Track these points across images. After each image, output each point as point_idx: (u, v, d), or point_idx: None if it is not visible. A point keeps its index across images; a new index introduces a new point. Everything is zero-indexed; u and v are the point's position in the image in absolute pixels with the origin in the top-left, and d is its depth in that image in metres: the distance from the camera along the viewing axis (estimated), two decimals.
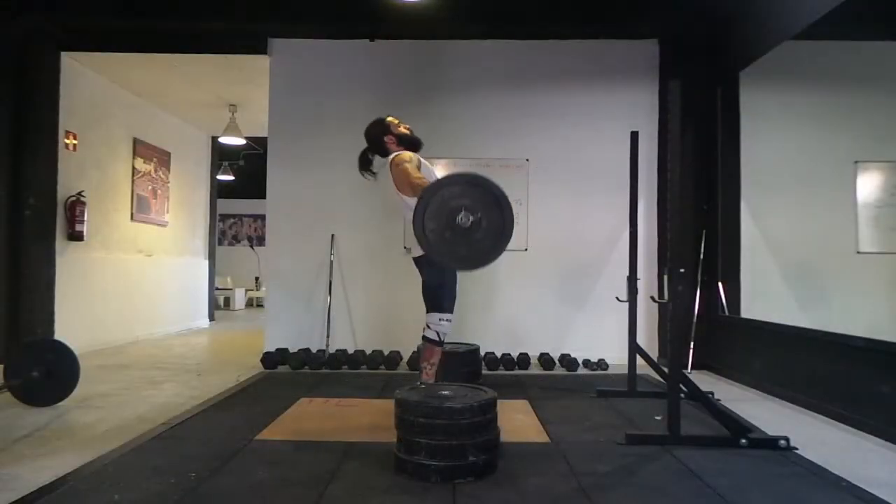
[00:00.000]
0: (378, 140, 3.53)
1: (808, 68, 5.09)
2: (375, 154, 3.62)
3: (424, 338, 3.34)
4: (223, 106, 7.49)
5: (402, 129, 3.54)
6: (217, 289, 10.64)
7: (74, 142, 6.04)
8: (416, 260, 3.40)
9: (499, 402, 2.66)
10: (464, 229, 2.58)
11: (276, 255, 5.82)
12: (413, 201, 3.16)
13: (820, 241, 5.18)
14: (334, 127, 5.78)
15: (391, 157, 3.43)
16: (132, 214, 7.15)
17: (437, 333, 3.31)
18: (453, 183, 2.72)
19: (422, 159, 3.43)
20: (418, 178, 3.15)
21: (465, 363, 4.42)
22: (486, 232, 2.63)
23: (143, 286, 7.33)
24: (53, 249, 5.61)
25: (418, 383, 3.23)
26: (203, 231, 9.21)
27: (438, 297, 3.34)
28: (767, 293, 5.19)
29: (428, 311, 3.36)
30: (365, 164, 3.66)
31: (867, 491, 2.41)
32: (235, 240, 13.75)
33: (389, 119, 3.56)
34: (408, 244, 5.71)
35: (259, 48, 5.74)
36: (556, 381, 4.77)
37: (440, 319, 3.31)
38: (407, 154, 3.37)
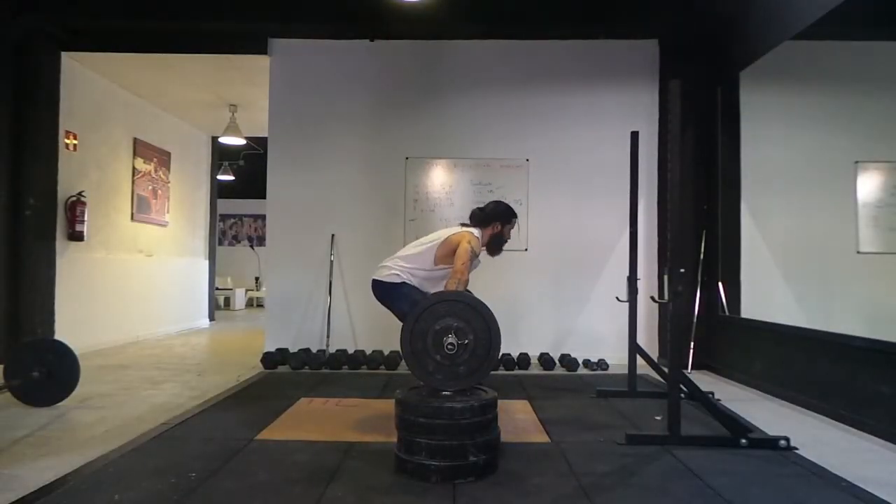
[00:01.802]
0: (489, 218, 3.55)
1: (808, 68, 5.09)
2: (479, 221, 3.60)
3: None
4: (223, 106, 7.49)
5: (507, 234, 3.62)
6: (217, 289, 10.64)
7: (74, 142, 6.04)
8: (382, 296, 3.39)
9: (499, 402, 2.66)
10: (451, 355, 2.60)
11: (276, 255, 5.82)
12: (438, 273, 3.32)
13: (820, 242, 5.17)
14: (334, 127, 5.78)
15: (469, 230, 3.43)
16: (132, 214, 7.15)
17: None
18: (439, 301, 2.72)
19: (478, 260, 3.49)
20: (463, 268, 3.21)
21: None
22: (474, 352, 2.64)
23: (144, 286, 7.33)
24: (53, 249, 5.61)
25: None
26: (203, 231, 9.20)
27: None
28: (767, 293, 5.19)
29: None
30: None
31: (867, 491, 2.41)
32: (235, 240, 13.75)
33: (515, 220, 3.65)
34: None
35: (259, 48, 5.75)
36: (557, 381, 4.78)
37: None
38: (477, 244, 3.39)
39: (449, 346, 2.58)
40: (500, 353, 5.29)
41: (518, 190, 5.71)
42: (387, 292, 3.39)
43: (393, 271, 3.37)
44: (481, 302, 2.72)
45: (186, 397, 4.07)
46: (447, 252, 3.35)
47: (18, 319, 5.29)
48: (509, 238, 3.67)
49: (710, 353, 5.24)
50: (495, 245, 3.61)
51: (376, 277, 3.43)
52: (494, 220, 3.57)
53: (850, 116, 5.03)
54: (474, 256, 3.37)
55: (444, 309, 2.65)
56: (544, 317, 5.71)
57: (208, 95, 7.13)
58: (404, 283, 3.34)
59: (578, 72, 5.80)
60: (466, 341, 2.60)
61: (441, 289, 3.43)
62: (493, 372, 5.15)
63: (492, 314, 2.69)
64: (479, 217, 3.59)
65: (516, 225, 3.71)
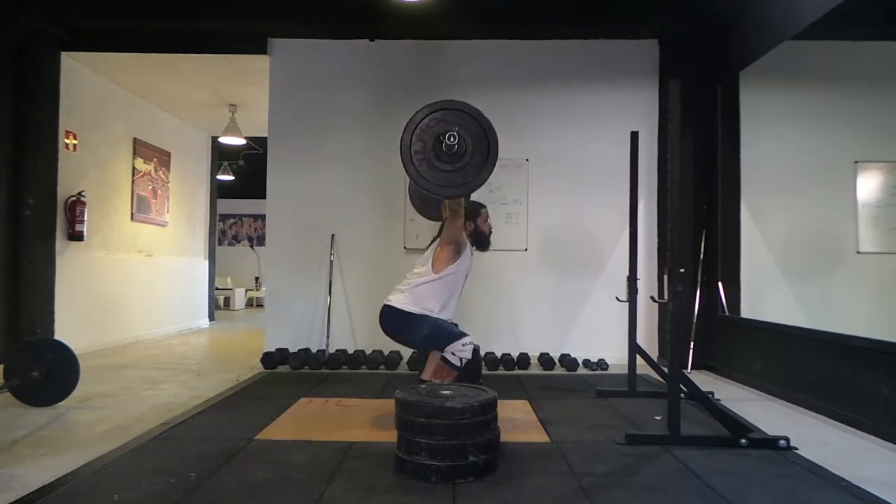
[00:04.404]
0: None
1: (808, 68, 5.09)
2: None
3: (445, 359, 3.33)
4: (223, 106, 7.49)
5: (483, 227, 3.60)
6: (217, 289, 10.63)
7: (74, 142, 6.04)
8: (392, 325, 3.40)
9: (499, 402, 2.66)
10: (451, 154, 2.61)
11: (276, 255, 5.82)
12: (448, 278, 3.35)
13: (820, 241, 5.17)
14: (334, 127, 5.78)
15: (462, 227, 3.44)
16: (132, 214, 7.15)
17: (461, 360, 3.31)
18: (432, 110, 2.74)
19: (469, 254, 3.51)
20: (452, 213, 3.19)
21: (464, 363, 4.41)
22: (473, 146, 2.66)
23: (143, 286, 7.33)
24: (53, 249, 5.60)
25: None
26: (203, 231, 9.20)
27: (444, 332, 3.34)
28: (767, 293, 5.19)
29: (447, 345, 3.33)
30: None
31: (867, 491, 2.41)
32: (235, 240, 13.75)
33: (483, 210, 3.65)
34: (408, 244, 5.72)
35: (259, 48, 5.74)
36: (556, 381, 4.77)
37: (463, 345, 3.31)
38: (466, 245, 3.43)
39: (448, 145, 2.60)
40: (500, 353, 5.36)
41: (518, 190, 5.70)
42: (400, 318, 3.38)
43: (404, 296, 3.38)
44: (476, 109, 2.74)
45: (186, 397, 4.07)
46: (443, 253, 3.36)
47: (18, 319, 5.28)
48: (490, 229, 3.66)
49: (709, 353, 5.24)
50: (479, 242, 3.61)
51: (390, 303, 3.42)
52: (465, 223, 3.54)
53: (850, 116, 5.03)
54: (460, 252, 3.39)
55: (441, 115, 2.69)
56: (544, 317, 5.71)
57: (208, 95, 7.13)
58: (415, 313, 3.35)
59: (578, 72, 5.80)
60: (466, 146, 2.63)
61: (457, 295, 3.45)
62: (493, 372, 5.18)
63: (487, 120, 2.73)
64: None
65: (487, 216, 3.68)
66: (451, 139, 2.61)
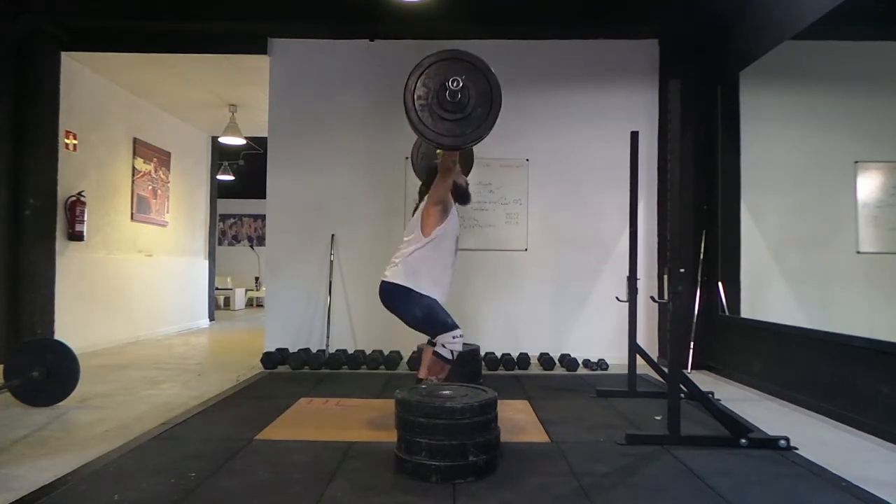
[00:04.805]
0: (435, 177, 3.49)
1: (808, 68, 5.09)
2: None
3: (437, 353, 3.31)
4: (223, 106, 7.49)
5: (461, 181, 3.53)
6: (217, 289, 10.63)
7: (74, 142, 6.04)
8: (390, 300, 3.36)
9: (499, 402, 2.66)
10: (454, 102, 2.61)
11: (276, 255, 5.82)
12: (441, 245, 3.30)
13: (820, 241, 5.17)
14: (334, 127, 5.78)
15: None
16: (132, 214, 7.15)
17: (452, 352, 3.29)
18: (440, 58, 2.73)
19: (455, 213, 3.46)
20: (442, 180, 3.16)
21: (464, 363, 4.41)
22: (477, 100, 2.65)
23: (143, 286, 7.33)
24: (53, 249, 5.61)
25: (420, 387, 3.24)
26: (203, 231, 9.20)
27: (437, 319, 3.30)
28: (767, 293, 5.19)
29: (437, 335, 3.30)
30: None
31: (867, 491, 2.41)
32: (235, 240, 13.75)
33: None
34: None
35: (259, 48, 5.74)
36: (556, 381, 4.77)
37: (454, 337, 3.28)
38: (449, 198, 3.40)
39: (452, 91, 2.60)
40: (500, 353, 5.36)
41: (518, 190, 5.70)
42: (397, 294, 3.34)
43: (398, 268, 3.35)
44: (485, 64, 2.73)
45: (186, 397, 4.07)
46: (430, 214, 3.33)
47: (18, 319, 5.28)
48: (466, 182, 3.62)
49: (709, 353, 5.24)
50: (460, 196, 3.54)
51: (386, 279, 3.39)
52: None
53: (850, 116, 5.03)
54: (446, 209, 3.37)
55: (449, 64, 2.68)
56: (544, 317, 5.71)
57: (208, 95, 7.13)
58: (411, 290, 3.31)
59: (578, 72, 5.80)
60: (469, 97, 2.62)
61: (449, 264, 3.41)
62: (492, 372, 5.18)
63: (495, 77, 2.72)
64: (431, 182, 3.52)
65: (460, 170, 3.60)
66: (455, 84, 2.59)
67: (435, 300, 3.33)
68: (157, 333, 7.54)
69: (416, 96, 2.68)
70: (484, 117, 2.70)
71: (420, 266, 3.32)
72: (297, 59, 5.82)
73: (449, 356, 3.28)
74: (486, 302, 5.66)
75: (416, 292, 3.29)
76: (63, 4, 5.43)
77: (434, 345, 3.33)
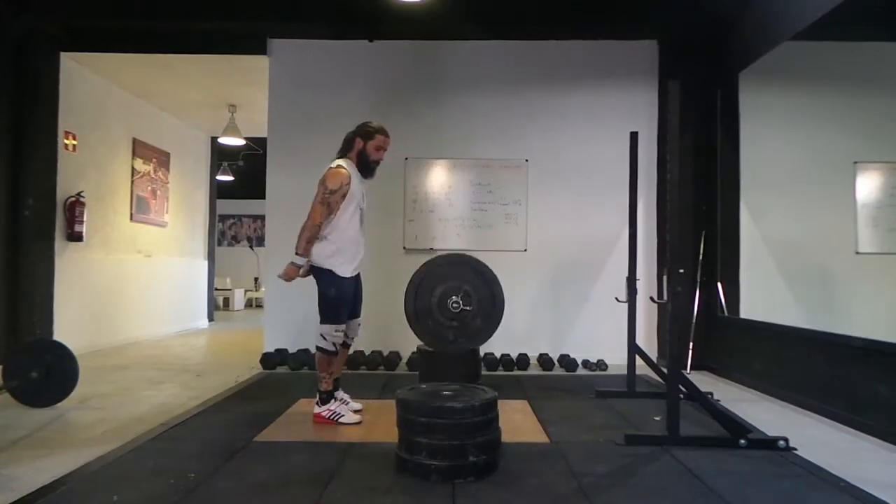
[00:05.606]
0: (349, 142, 3.51)
1: (808, 68, 5.10)
2: (343, 149, 3.56)
3: (319, 348, 3.34)
4: (223, 106, 7.49)
5: (372, 153, 3.45)
6: (216, 289, 10.63)
7: (74, 142, 6.04)
8: (316, 270, 3.42)
9: (499, 402, 2.66)
10: (455, 312, 2.62)
11: (275, 255, 5.81)
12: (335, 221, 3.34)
13: (819, 242, 5.18)
14: (334, 127, 5.68)
15: (332, 164, 3.42)
16: (131, 215, 7.15)
17: (333, 344, 3.33)
18: (439, 264, 2.74)
19: (356, 184, 3.41)
20: (312, 212, 3.37)
21: (464, 364, 4.41)
22: (477, 312, 2.67)
23: (143, 287, 7.32)
24: (53, 250, 5.60)
25: (320, 391, 3.32)
26: (202, 231, 9.20)
27: (335, 308, 3.34)
28: (766, 293, 5.19)
29: (322, 322, 3.34)
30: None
31: (867, 491, 2.41)
32: (235, 240, 13.75)
33: (380, 137, 3.48)
34: (407, 245, 5.73)
35: (259, 48, 5.74)
36: (556, 382, 4.77)
37: (335, 331, 3.33)
38: (345, 173, 3.36)
39: (454, 305, 2.61)
40: (500, 354, 5.35)
41: (517, 190, 5.70)
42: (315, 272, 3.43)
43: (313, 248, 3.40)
44: (483, 263, 2.73)
45: (185, 398, 4.07)
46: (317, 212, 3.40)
47: (17, 320, 5.28)
48: (378, 158, 3.48)
49: (709, 353, 5.24)
50: (363, 166, 3.46)
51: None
52: (355, 139, 3.47)
53: (850, 116, 5.04)
54: (331, 193, 3.33)
55: (445, 272, 2.69)
56: (543, 317, 5.71)
57: (207, 96, 7.12)
58: (320, 267, 3.37)
59: (578, 72, 5.80)
60: (469, 307, 2.64)
61: (354, 231, 3.44)
62: (492, 372, 5.17)
63: (494, 275, 2.71)
64: (343, 145, 3.51)
65: (382, 147, 3.47)
66: (456, 305, 2.62)
67: (354, 290, 3.46)
68: (156, 334, 7.54)
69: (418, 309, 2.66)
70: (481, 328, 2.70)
71: (323, 243, 3.53)
72: (296, 60, 5.82)
73: (331, 348, 3.35)
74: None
75: (326, 270, 3.44)
76: (63, 4, 5.42)
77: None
